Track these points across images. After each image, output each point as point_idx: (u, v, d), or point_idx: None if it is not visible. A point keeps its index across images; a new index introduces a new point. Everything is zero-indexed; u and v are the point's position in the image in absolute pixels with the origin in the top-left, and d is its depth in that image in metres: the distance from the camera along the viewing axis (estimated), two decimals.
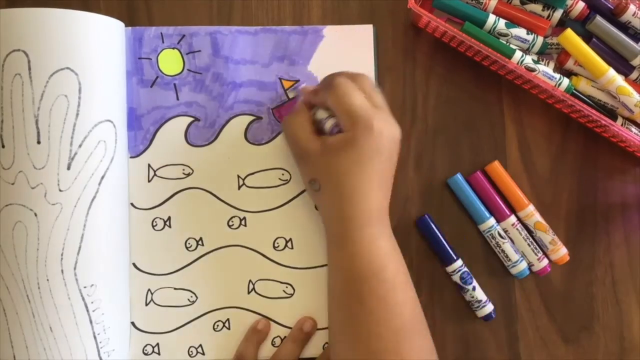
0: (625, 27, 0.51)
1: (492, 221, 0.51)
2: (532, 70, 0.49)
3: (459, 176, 0.51)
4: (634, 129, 0.51)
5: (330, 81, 0.45)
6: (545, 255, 0.51)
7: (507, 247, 0.51)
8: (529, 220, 0.51)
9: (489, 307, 0.51)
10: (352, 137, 0.43)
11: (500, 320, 0.51)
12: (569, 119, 0.53)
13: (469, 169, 0.52)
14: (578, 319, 0.52)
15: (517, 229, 0.51)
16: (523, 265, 0.51)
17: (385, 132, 0.43)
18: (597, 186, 0.52)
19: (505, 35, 0.50)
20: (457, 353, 0.51)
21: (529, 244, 0.51)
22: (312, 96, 0.47)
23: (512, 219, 0.51)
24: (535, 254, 0.51)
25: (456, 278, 0.50)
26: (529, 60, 0.49)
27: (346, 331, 0.43)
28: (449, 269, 0.51)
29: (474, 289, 0.50)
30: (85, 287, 0.45)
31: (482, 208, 0.51)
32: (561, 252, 0.51)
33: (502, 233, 0.51)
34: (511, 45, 0.50)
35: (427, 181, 0.52)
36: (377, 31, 0.52)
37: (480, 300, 0.50)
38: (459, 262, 0.50)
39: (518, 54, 0.49)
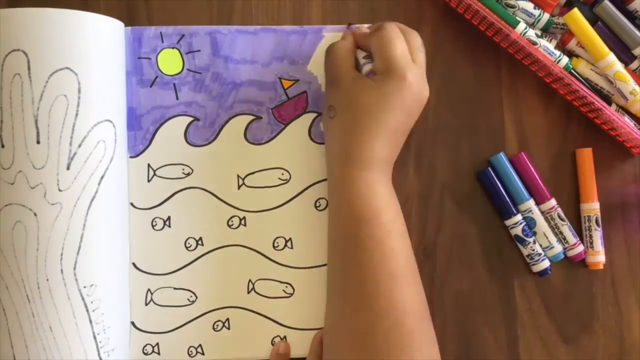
0: (632, 16, 0.51)
1: (531, 202, 0.51)
2: (534, 43, 0.49)
3: (502, 155, 0.51)
4: (626, 118, 0.52)
5: (380, 25, 0.46)
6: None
7: (546, 227, 0.51)
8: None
9: (546, 263, 0.51)
10: (383, 81, 0.44)
11: (500, 320, 0.51)
12: (569, 119, 0.53)
13: (469, 169, 0.52)
14: (578, 319, 0.52)
15: (556, 214, 0.51)
16: (559, 248, 0.51)
17: (415, 87, 0.44)
18: (597, 186, 0.52)
19: (513, 7, 0.50)
20: (457, 353, 0.51)
21: (568, 229, 0.51)
22: (362, 38, 0.48)
23: (552, 202, 0.51)
24: (571, 240, 0.51)
25: (517, 231, 0.51)
26: (532, 33, 0.50)
27: (342, 276, 0.44)
28: (508, 222, 0.51)
29: (534, 242, 0.51)
30: (85, 287, 0.45)
31: (523, 188, 0.51)
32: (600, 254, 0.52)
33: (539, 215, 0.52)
34: (516, 17, 0.51)
35: (427, 181, 0.52)
36: None
37: (540, 254, 0.51)
38: (519, 217, 0.51)
39: (522, 25, 0.50)
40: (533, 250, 0.51)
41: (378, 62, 0.45)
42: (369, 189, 0.44)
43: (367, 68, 0.47)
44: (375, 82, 0.44)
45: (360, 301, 0.42)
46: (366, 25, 0.50)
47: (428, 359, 0.42)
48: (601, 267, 0.51)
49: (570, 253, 0.52)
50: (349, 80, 0.46)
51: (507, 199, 0.51)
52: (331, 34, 0.51)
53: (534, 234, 0.51)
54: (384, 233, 0.43)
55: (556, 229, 0.51)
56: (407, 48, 0.45)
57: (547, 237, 0.51)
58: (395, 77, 0.43)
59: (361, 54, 0.48)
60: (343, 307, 0.43)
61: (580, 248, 0.52)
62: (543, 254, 0.51)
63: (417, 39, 0.47)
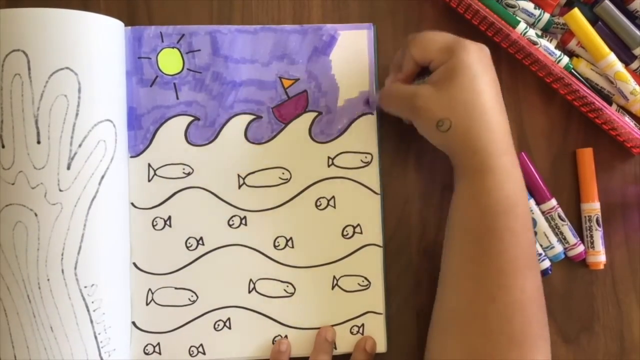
0: (633, 16, 0.51)
1: (531, 202, 0.51)
2: (535, 43, 0.49)
3: None
4: (627, 118, 0.52)
5: (406, 44, 0.45)
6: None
7: (547, 227, 0.51)
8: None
9: (546, 263, 0.51)
10: (454, 60, 0.43)
11: None
12: (569, 119, 0.53)
13: None
14: (578, 319, 0.52)
15: (557, 214, 0.51)
16: (559, 248, 0.51)
17: (474, 46, 0.43)
18: (597, 186, 0.52)
19: (513, 7, 0.50)
20: None
21: (569, 229, 0.51)
22: (399, 64, 0.47)
23: (553, 202, 0.51)
24: (572, 240, 0.51)
25: None
26: (532, 33, 0.50)
27: (476, 264, 0.43)
28: None
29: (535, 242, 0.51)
30: (85, 286, 0.45)
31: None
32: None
33: (540, 214, 0.52)
34: (517, 17, 0.50)
35: (427, 181, 0.52)
36: (377, 31, 0.52)
37: (540, 254, 0.51)
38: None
39: (522, 25, 0.50)
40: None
41: (435, 60, 0.44)
42: (507, 177, 0.42)
43: (427, 78, 0.45)
44: (448, 68, 0.43)
45: (498, 291, 0.42)
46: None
47: (549, 350, 0.43)
48: (602, 267, 0.51)
49: (571, 253, 0.52)
50: (429, 92, 0.43)
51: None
52: (331, 33, 0.51)
53: (535, 234, 0.51)
54: (520, 226, 0.42)
55: (556, 229, 0.51)
56: (439, 32, 0.45)
57: (547, 237, 0.51)
58: (461, 50, 0.43)
59: (416, 80, 0.47)
60: (476, 294, 0.43)
61: (581, 248, 0.52)
62: (543, 254, 0.51)
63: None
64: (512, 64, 0.53)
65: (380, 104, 0.48)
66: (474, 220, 0.43)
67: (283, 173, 0.51)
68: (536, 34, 0.50)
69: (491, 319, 0.42)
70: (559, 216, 0.51)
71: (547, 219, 0.51)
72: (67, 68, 0.45)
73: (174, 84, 0.51)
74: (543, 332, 0.43)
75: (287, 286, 0.50)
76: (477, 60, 0.43)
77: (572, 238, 0.51)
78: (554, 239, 0.51)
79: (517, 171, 0.44)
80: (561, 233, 0.51)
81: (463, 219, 0.44)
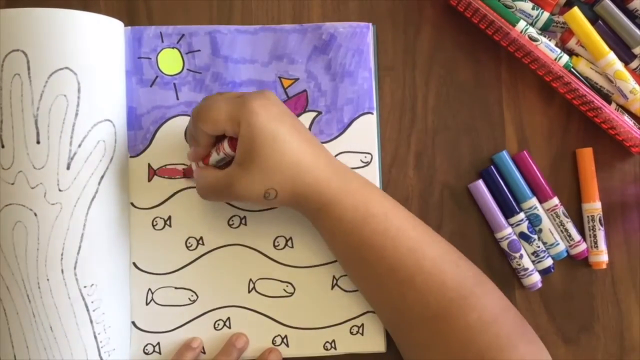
0: (633, 16, 0.51)
1: (534, 200, 0.51)
2: (535, 40, 0.49)
3: (504, 153, 0.51)
4: (626, 117, 0.52)
5: (193, 118, 0.44)
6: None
7: (551, 225, 0.51)
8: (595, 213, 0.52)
9: (549, 261, 0.51)
10: (246, 129, 0.41)
11: None
12: (568, 118, 0.53)
13: (469, 169, 0.52)
14: (578, 319, 0.52)
15: (561, 211, 0.51)
16: (562, 246, 0.51)
17: (259, 101, 0.42)
18: (597, 186, 0.52)
19: (510, 7, 0.50)
20: None
21: (573, 226, 0.52)
22: (199, 150, 0.45)
23: (555, 200, 0.51)
24: (576, 237, 0.51)
25: (522, 228, 0.51)
26: (532, 30, 0.50)
27: (375, 279, 0.44)
28: (512, 220, 0.51)
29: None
30: (85, 286, 0.45)
31: (526, 186, 0.51)
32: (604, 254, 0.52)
33: (543, 213, 0.52)
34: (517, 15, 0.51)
35: (427, 181, 0.52)
36: (377, 31, 0.52)
37: (544, 252, 0.51)
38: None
39: (522, 23, 0.50)
40: (538, 247, 0.51)
41: (225, 127, 0.42)
42: (347, 194, 0.43)
43: (226, 145, 0.44)
44: (243, 133, 0.42)
45: (405, 281, 0.43)
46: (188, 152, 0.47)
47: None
48: (604, 266, 0.51)
49: (574, 251, 0.52)
50: (240, 172, 0.42)
51: (511, 198, 0.51)
52: (331, 33, 0.51)
53: (539, 231, 0.51)
54: (388, 225, 0.44)
55: (561, 227, 0.51)
56: (220, 97, 0.43)
57: (552, 234, 0.51)
58: (247, 112, 0.41)
59: (215, 156, 0.45)
60: (385, 297, 0.44)
61: (583, 246, 0.51)
62: (546, 252, 0.51)
63: (219, 95, 0.45)
64: (512, 62, 0.53)
65: (200, 195, 0.46)
66: (346, 251, 0.45)
67: None
68: (537, 31, 0.50)
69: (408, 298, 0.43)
70: (563, 213, 0.51)
71: (550, 217, 0.51)
72: (66, 68, 0.45)
73: (174, 84, 0.51)
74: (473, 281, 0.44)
75: (287, 286, 0.50)
76: (265, 117, 0.41)
77: (576, 235, 0.51)
78: (557, 236, 0.51)
79: (355, 181, 0.45)
80: (565, 230, 0.51)
81: (339, 251, 0.46)
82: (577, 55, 0.52)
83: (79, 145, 0.45)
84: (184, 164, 0.50)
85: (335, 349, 0.50)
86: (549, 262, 0.51)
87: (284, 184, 0.42)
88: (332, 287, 0.50)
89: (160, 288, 0.50)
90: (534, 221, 0.51)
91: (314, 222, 0.46)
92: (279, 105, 0.44)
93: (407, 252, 0.43)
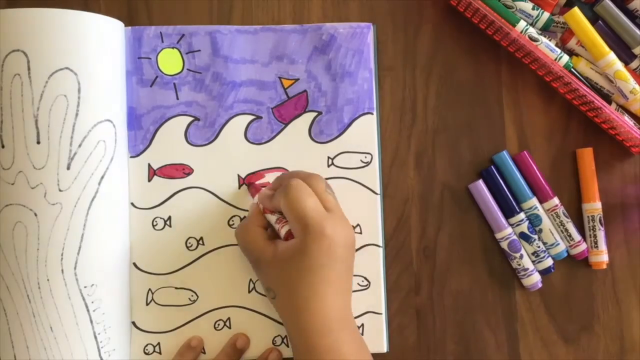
0: (633, 16, 0.52)
1: (535, 200, 0.51)
2: (535, 40, 0.49)
3: (505, 153, 0.51)
4: (626, 117, 0.52)
5: (283, 184, 0.44)
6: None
7: (551, 225, 0.51)
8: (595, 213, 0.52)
9: (549, 261, 0.51)
10: (303, 244, 0.42)
11: (500, 320, 0.51)
12: (569, 118, 0.53)
13: (469, 169, 0.52)
14: (578, 319, 0.52)
15: (561, 211, 0.51)
16: (563, 246, 0.51)
17: (337, 237, 0.42)
18: (597, 186, 0.52)
19: (510, 7, 0.50)
20: (457, 353, 0.51)
21: (573, 226, 0.52)
22: (267, 201, 0.46)
23: (555, 200, 0.51)
24: (576, 237, 0.51)
25: (522, 228, 0.51)
26: (532, 30, 0.50)
27: None
28: (512, 220, 0.51)
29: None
30: (85, 287, 0.45)
31: (526, 186, 0.51)
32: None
33: (543, 213, 0.52)
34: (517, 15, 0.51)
35: (427, 181, 0.52)
36: (377, 31, 0.52)
37: (544, 252, 0.51)
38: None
39: (522, 23, 0.50)
40: (539, 247, 0.51)
41: (292, 224, 0.43)
42: (334, 355, 0.41)
43: (284, 231, 0.44)
44: (296, 246, 0.42)
45: None
46: (265, 186, 0.49)
47: None
48: (605, 266, 0.51)
49: (574, 251, 0.52)
50: (270, 258, 0.44)
51: (511, 198, 0.51)
52: (331, 33, 0.51)
53: (540, 231, 0.51)
54: None
55: (561, 227, 0.51)
56: (317, 199, 0.43)
57: (552, 234, 0.51)
58: (314, 236, 0.41)
59: (273, 218, 0.46)
60: None
61: (584, 246, 0.52)
62: (546, 252, 0.51)
63: (321, 183, 0.45)
64: (512, 63, 0.53)
65: (235, 233, 0.47)
66: None
67: (283, 173, 0.51)
68: (537, 31, 0.50)
69: None
70: (564, 213, 0.51)
71: (550, 217, 0.51)
72: (66, 68, 0.45)
73: (174, 84, 0.51)
74: None
75: None
76: (326, 251, 0.42)
77: (576, 235, 0.51)
78: (558, 237, 0.51)
79: (348, 346, 0.42)
80: (566, 230, 0.51)
81: None
82: (577, 55, 0.52)
83: (79, 146, 0.45)
84: (184, 164, 0.50)
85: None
86: (549, 262, 0.51)
87: (285, 300, 0.43)
88: None
89: (160, 288, 0.50)
90: (534, 221, 0.51)
91: (293, 353, 0.44)
92: (347, 246, 0.44)
93: None
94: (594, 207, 0.52)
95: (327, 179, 0.50)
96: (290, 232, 0.44)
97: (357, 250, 0.50)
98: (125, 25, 0.50)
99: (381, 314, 0.50)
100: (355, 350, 0.43)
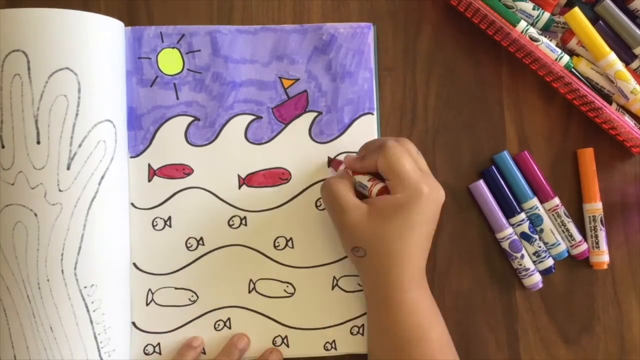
0: (634, 16, 0.51)
1: (535, 200, 0.51)
2: (536, 40, 0.49)
3: (505, 153, 0.51)
4: (627, 117, 0.52)
5: (378, 145, 0.45)
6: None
7: (552, 225, 0.51)
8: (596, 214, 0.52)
9: (549, 262, 0.51)
10: (404, 200, 0.43)
11: (500, 320, 0.51)
12: (569, 118, 0.53)
13: (470, 169, 0.52)
14: (578, 319, 0.52)
15: (562, 211, 0.51)
16: (564, 246, 0.51)
17: (432, 196, 0.44)
18: (598, 186, 0.52)
19: (511, 7, 0.50)
20: (458, 353, 0.51)
21: (574, 226, 0.52)
22: (358, 162, 0.46)
23: (556, 200, 0.51)
24: (577, 237, 0.51)
25: (523, 228, 0.51)
26: (533, 31, 0.50)
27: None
28: (513, 220, 0.51)
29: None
30: (85, 287, 0.45)
31: (526, 186, 0.51)
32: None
33: (544, 213, 0.52)
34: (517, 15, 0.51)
35: None
36: (378, 31, 0.52)
37: (545, 252, 0.51)
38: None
39: (523, 23, 0.50)
40: (539, 247, 0.51)
41: (393, 181, 0.44)
42: (416, 308, 0.44)
43: (377, 188, 0.45)
44: (398, 201, 0.43)
45: None
46: (349, 154, 0.49)
47: None
48: (605, 267, 0.51)
49: (575, 251, 0.52)
50: (365, 215, 0.44)
51: (512, 198, 0.51)
52: (332, 33, 0.51)
53: (541, 231, 0.51)
54: (435, 350, 0.44)
55: (562, 227, 0.51)
56: (412, 159, 0.44)
57: (553, 234, 0.51)
58: (414, 194, 0.43)
59: (364, 179, 0.46)
60: None
61: (584, 246, 0.51)
62: (547, 252, 0.51)
63: (412, 146, 0.46)
64: (512, 63, 0.53)
65: (322, 187, 0.47)
66: (386, 351, 0.45)
67: (283, 173, 0.51)
68: (537, 31, 0.50)
69: None
70: (565, 213, 0.51)
71: (551, 217, 0.51)
72: (67, 68, 0.45)
73: (174, 84, 0.51)
74: None
75: (287, 286, 0.50)
76: (423, 209, 0.43)
77: (577, 235, 0.51)
78: (559, 237, 0.51)
79: (427, 302, 0.45)
80: (567, 230, 0.51)
81: (374, 349, 0.46)
82: (577, 55, 0.52)
83: (79, 146, 0.45)
84: (184, 164, 0.50)
85: (335, 349, 0.50)
86: (550, 262, 0.51)
87: (377, 257, 0.44)
88: (333, 287, 0.50)
89: (160, 288, 0.50)
90: (535, 221, 0.51)
91: (369, 310, 0.47)
92: (439, 205, 0.45)
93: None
94: (594, 207, 0.52)
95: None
96: (385, 188, 0.45)
97: None
98: (125, 25, 0.50)
99: None
100: (431, 305, 0.46)
